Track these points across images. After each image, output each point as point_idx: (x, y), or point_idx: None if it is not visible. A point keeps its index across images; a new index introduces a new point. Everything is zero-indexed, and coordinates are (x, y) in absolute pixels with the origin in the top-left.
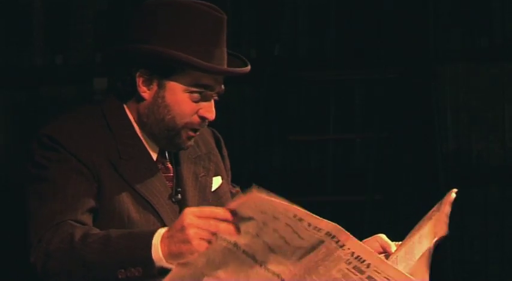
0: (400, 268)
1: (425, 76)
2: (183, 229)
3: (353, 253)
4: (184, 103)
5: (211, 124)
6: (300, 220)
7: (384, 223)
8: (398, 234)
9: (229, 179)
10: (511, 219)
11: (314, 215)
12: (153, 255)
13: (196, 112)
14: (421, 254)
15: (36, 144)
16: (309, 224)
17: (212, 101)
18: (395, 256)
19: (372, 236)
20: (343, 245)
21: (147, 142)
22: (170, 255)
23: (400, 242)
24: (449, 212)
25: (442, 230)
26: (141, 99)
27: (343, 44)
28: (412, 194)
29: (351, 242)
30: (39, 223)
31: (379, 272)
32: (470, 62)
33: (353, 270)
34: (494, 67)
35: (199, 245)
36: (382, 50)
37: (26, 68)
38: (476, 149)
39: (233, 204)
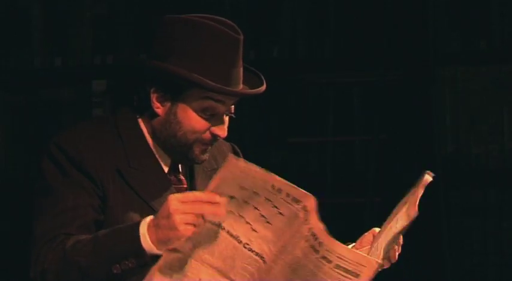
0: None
1: (424, 79)
2: (168, 215)
3: (311, 229)
4: (196, 121)
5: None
6: (279, 190)
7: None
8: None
9: None
10: (509, 222)
11: (291, 184)
12: (143, 244)
13: (208, 129)
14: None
15: (46, 152)
16: (288, 195)
17: (225, 118)
18: (376, 243)
19: (369, 231)
20: (307, 220)
21: (159, 155)
22: (159, 242)
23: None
24: (420, 194)
25: (413, 211)
26: (155, 114)
27: (343, 46)
28: None
29: (313, 220)
30: (37, 239)
31: (331, 252)
32: (469, 65)
33: (310, 249)
34: (493, 70)
35: (186, 230)
36: (381, 53)
37: (25, 70)
38: (475, 151)
39: (213, 182)
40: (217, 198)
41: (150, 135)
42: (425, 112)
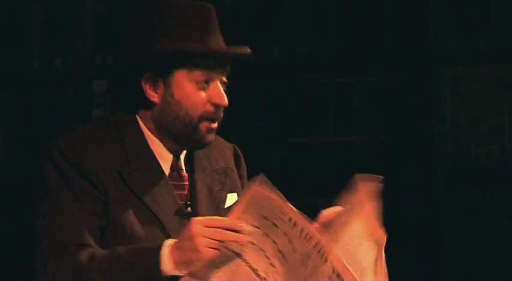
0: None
1: (424, 79)
2: (191, 238)
3: (334, 268)
4: (193, 94)
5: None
6: (295, 224)
7: (383, 225)
8: (398, 235)
9: None
10: (510, 222)
11: (305, 219)
12: (162, 266)
13: (208, 101)
14: (368, 260)
15: (46, 155)
16: (302, 230)
17: (220, 87)
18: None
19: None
20: (327, 260)
21: (160, 154)
22: (180, 263)
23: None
24: (378, 211)
25: (382, 237)
26: (152, 105)
27: (343, 46)
28: (411, 196)
29: (333, 257)
30: (45, 246)
31: None
32: (469, 65)
33: None
34: (493, 70)
35: (208, 252)
36: (381, 53)
37: (25, 70)
38: (476, 152)
39: (237, 209)
40: (241, 226)
41: (151, 133)
42: (426, 112)
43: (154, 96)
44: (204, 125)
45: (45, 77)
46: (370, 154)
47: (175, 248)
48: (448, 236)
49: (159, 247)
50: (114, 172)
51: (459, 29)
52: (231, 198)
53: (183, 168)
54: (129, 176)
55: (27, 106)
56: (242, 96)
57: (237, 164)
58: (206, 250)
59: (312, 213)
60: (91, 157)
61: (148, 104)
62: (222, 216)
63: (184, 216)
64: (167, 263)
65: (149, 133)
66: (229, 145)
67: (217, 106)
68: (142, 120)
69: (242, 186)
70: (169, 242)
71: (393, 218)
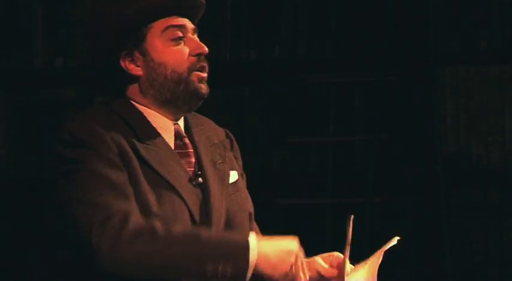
0: None
1: (425, 79)
2: (290, 253)
3: None
4: (173, 52)
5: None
6: None
7: (383, 225)
8: (398, 235)
9: (245, 183)
10: (510, 222)
11: None
12: (250, 252)
13: (189, 54)
14: None
15: (60, 145)
16: None
17: (196, 38)
18: None
19: (329, 253)
20: None
21: (160, 127)
22: (264, 261)
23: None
24: (380, 260)
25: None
26: (137, 79)
27: (343, 46)
28: (411, 196)
29: None
30: (97, 207)
31: None
32: (470, 65)
33: None
34: (494, 70)
35: (287, 270)
36: (382, 53)
37: (26, 70)
38: (476, 152)
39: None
40: None
41: (147, 107)
42: (426, 112)
43: (137, 70)
44: (194, 75)
45: (45, 77)
46: (370, 154)
47: (265, 244)
48: (448, 236)
49: (246, 236)
50: (128, 146)
51: (459, 29)
52: (233, 175)
53: (185, 135)
54: (143, 149)
55: (27, 106)
56: (242, 96)
57: (231, 146)
58: (288, 268)
59: (312, 212)
60: (106, 134)
61: (136, 79)
62: (229, 190)
63: (197, 186)
64: (253, 253)
65: (145, 108)
66: (221, 129)
67: (199, 56)
68: (135, 98)
69: (239, 166)
70: (256, 238)
71: (393, 218)
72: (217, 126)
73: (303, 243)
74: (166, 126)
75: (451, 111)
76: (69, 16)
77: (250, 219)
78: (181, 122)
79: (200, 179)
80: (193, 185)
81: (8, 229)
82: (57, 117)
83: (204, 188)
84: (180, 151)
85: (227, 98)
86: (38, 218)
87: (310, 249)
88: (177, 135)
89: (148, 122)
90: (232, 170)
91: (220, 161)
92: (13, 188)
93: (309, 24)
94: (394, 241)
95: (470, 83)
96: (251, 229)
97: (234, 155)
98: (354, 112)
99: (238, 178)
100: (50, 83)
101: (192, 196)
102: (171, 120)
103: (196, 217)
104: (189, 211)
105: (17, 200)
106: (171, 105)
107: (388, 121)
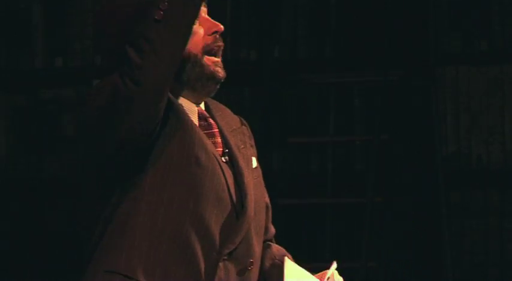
0: None
1: (425, 79)
2: None
3: None
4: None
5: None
6: None
7: (383, 225)
8: (398, 235)
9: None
10: (510, 222)
11: None
12: None
13: (206, 34)
14: None
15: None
16: None
17: (208, 17)
18: None
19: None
20: None
21: (187, 109)
22: None
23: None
24: None
25: None
26: None
27: (343, 46)
28: (412, 196)
29: None
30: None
31: None
32: (470, 65)
33: None
34: (494, 70)
35: None
36: (382, 53)
37: (26, 70)
38: (476, 152)
39: None
40: None
41: (170, 94)
42: (426, 112)
43: None
44: (208, 59)
45: (45, 77)
46: (370, 154)
47: None
48: (448, 236)
49: None
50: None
51: (459, 29)
52: (254, 161)
53: (209, 115)
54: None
55: (27, 106)
56: (242, 96)
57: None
58: None
59: (312, 213)
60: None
61: None
62: (254, 174)
63: (226, 163)
64: None
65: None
66: (236, 115)
67: (215, 35)
68: None
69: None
70: None
71: (393, 218)
72: (232, 114)
73: (303, 243)
74: (190, 108)
75: (451, 111)
76: (69, 16)
77: (267, 208)
78: (202, 106)
79: (227, 157)
80: (226, 163)
81: (8, 229)
82: (57, 118)
83: (232, 165)
84: (205, 131)
85: (227, 98)
86: (38, 218)
87: (310, 249)
88: (201, 117)
89: (177, 102)
90: (253, 156)
91: (242, 146)
92: (13, 188)
93: (309, 24)
94: (334, 265)
95: (470, 83)
96: (267, 220)
97: (250, 143)
98: (354, 112)
99: (258, 165)
100: (50, 83)
101: (225, 169)
102: (193, 103)
103: (232, 190)
104: (227, 185)
105: (17, 200)
106: (190, 89)
107: (388, 121)
